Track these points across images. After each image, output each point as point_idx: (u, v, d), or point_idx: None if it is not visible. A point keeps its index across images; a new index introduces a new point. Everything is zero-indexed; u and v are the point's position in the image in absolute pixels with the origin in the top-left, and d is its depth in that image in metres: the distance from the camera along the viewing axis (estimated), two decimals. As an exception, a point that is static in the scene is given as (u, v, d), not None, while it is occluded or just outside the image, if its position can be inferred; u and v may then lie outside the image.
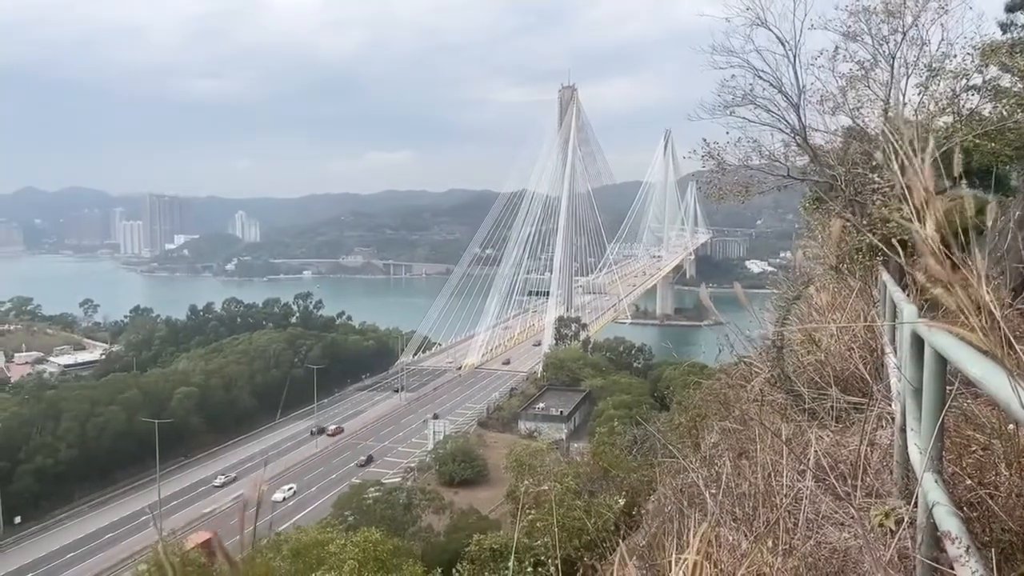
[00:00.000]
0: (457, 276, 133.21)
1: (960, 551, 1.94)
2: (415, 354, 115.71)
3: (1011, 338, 1.87)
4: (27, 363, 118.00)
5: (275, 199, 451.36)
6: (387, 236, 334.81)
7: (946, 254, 2.17)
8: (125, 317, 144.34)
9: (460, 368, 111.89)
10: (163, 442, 61.04)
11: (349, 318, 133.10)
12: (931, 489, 2.23)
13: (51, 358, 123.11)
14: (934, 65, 10.24)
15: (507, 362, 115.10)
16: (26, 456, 63.33)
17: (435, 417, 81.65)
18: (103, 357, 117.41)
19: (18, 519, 58.66)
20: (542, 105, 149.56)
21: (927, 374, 2.36)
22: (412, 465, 69.36)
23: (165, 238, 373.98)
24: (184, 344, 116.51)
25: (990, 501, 2.36)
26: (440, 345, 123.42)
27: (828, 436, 4.52)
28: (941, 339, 2.05)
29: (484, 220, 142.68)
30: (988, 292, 1.90)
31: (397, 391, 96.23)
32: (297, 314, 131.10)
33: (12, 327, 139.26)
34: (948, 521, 2.03)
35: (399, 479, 64.12)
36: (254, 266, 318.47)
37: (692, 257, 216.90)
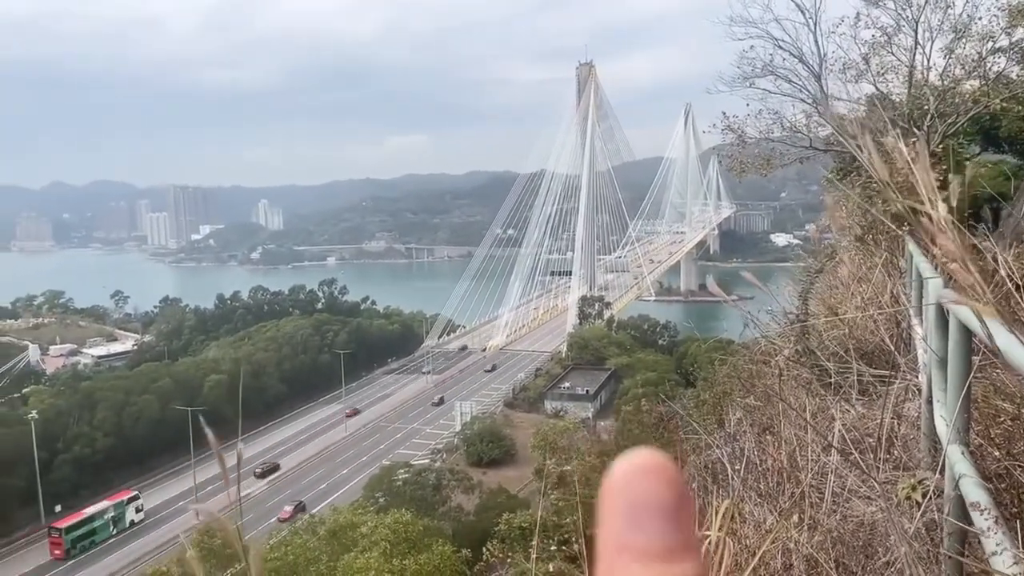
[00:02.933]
0: (479, 258, 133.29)
1: (988, 522, 1.92)
2: (440, 337, 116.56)
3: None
4: (62, 355, 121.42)
5: (297, 187, 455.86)
6: (408, 220, 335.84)
7: (962, 228, 2.13)
8: (155, 308, 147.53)
9: (485, 349, 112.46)
10: (197, 429, 61.63)
11: (374, 303, 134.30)
12: (958, 461, 2.21)
13: (85, 349, 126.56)
14: (959, 28, 9.95)
15: (535, 339, 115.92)
16: (64, 446, 65.05)
17: (439, 402, 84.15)
18: (135, 347, 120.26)
19: (58, 508, 60.27)
20: (561, 83, 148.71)
21: (952, 345, 2.33)
22: (439, 447, 70.15)
23: (191, 229, 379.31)
24: (213, 333, 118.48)
25: (1017, 473, 2.34)
26: (464, 327, 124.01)
27: (853, 410, 4.49)
28: (965, 311, 2.01)
29: (505, 201, 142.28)
30: (1006, 263, 1.86)
31: (425, 373, 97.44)
32: (323, 300, 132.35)
33: (46, 320, 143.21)
34: (975, 493, 2.01)
35: (427, 460, 64.97)
36: (279, 254, 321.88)
37: (716, 232, 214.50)
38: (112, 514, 57.23)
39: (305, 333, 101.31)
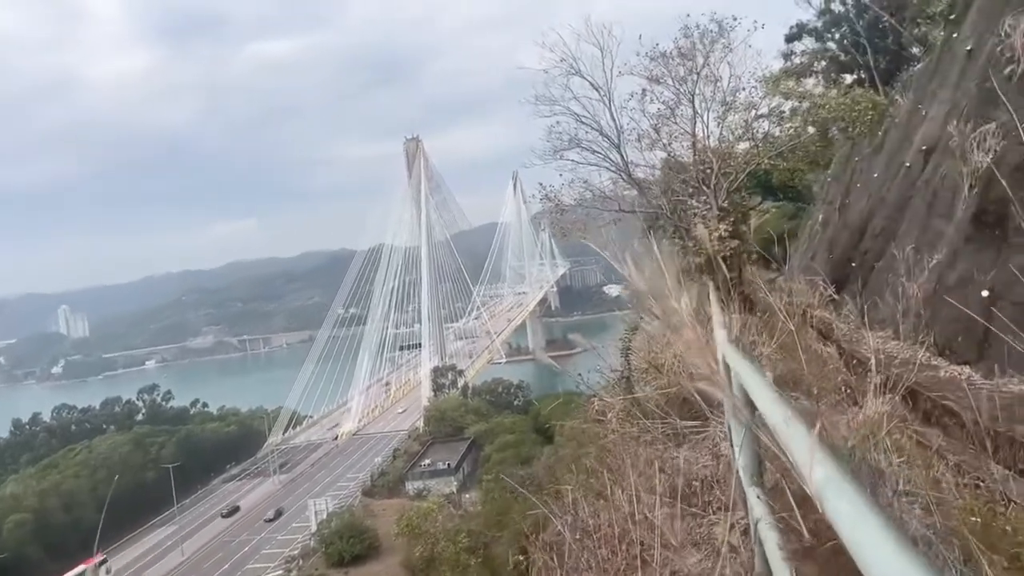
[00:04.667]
0: (321, 341, 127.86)
1: (782, 563, 2.10)
2: (285, 432, 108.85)
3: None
4: None
5: (104, 287, 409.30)
6: (238, 310, 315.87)
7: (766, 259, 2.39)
8: None
9: (337, 438, 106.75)
10: None
11: (205, 405, 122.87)
12: (755, 504, 2.41)
13: None
14: (727, 99, 11.58)
15: (403, 410, 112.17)
16: None
17: (275, 517, 75.69)
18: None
19: None
20: (391, 159, 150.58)
21: (735, 393, 2.57)
22: (294, 553, 64.62)
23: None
24: (12, 465, 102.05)
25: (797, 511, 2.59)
26: (312, 417, 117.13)
27: (683, 457, 4.78)
28: (738, 364, 2.26)
29: (344, 279, 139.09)
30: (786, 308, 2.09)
31: (273, 472, 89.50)
32: (143, 410, 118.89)
33: None
34: (769, 536, 2.19)
35: (282, 572, 59.54)
36: (86, 364, 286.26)
37: (555, 289, 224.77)
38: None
39: (124, 451, 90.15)
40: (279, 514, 75.79)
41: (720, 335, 3.33)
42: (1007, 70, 7.08)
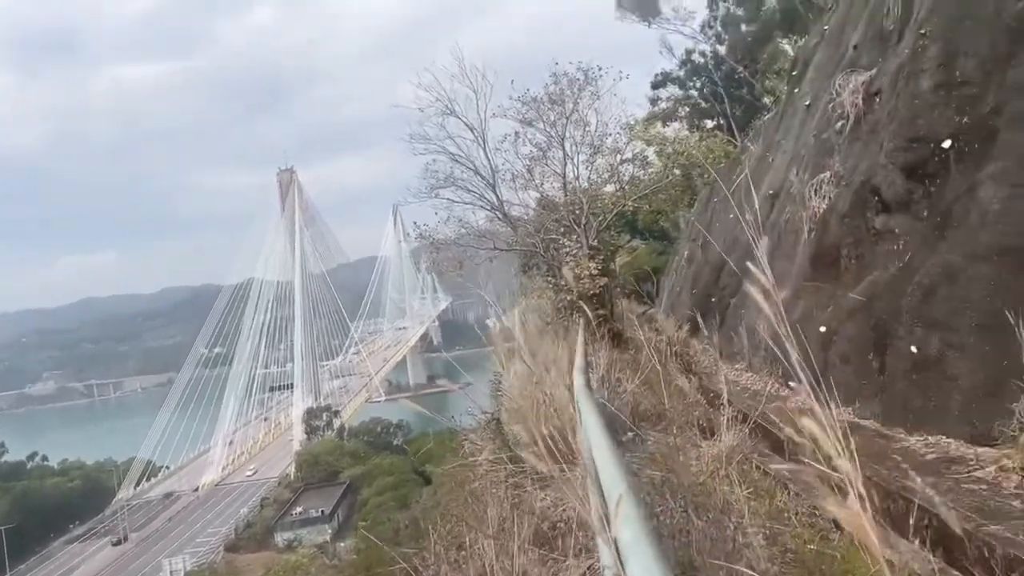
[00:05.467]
0: (181, 384, 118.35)
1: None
2: (137, 485, 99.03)
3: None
4: None
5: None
6: (87, 352, 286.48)
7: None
8: None
9: (197, 489, 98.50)
10: None
11: (45, 459, 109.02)
12: (603, 551, 2.36)
13: None
14: (595, 143, 12.15)
15: (253, 472, 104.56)
16: None
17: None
18: None
19: None
20: (262, 189, 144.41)
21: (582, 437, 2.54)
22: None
23: None
24: None
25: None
26: (168, 468, 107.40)
27: (549, 499, 4.71)
28: (585, 412, 2.23)
29: (208, 316, 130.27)
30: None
31: (117, 542, 79.82)
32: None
33: None
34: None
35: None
36: None
37: (436, 323, 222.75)
38: None
39: (-54, 510, 78.47)
40: None
41: (579, 382, 3.32)
42: (838, 124, 7.86)
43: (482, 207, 11.83)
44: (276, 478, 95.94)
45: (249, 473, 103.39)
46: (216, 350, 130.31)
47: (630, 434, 4.80)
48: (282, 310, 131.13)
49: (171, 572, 63.50)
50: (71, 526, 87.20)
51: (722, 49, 29.14)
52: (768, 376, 6.86)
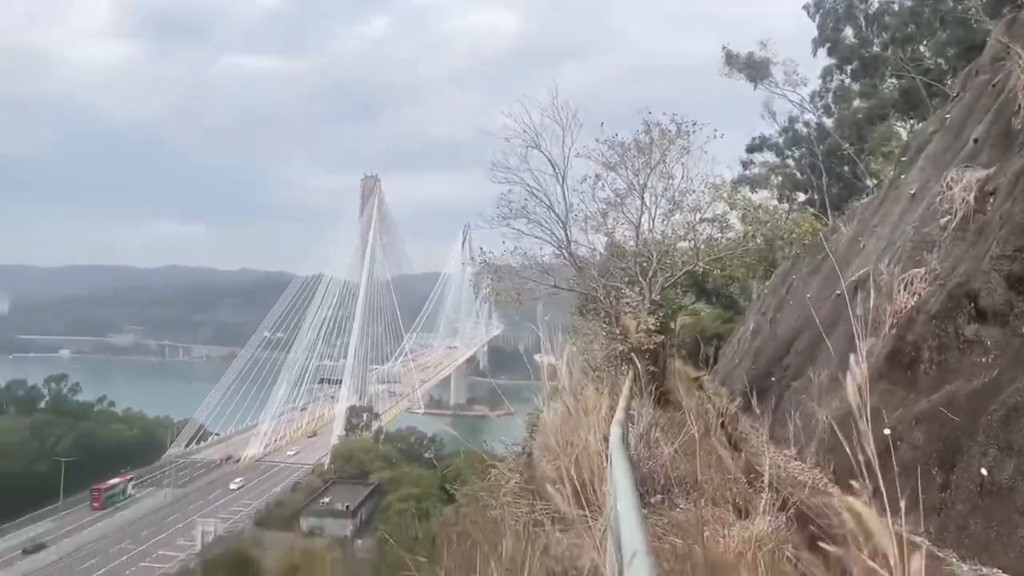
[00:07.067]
0: (243, 360, 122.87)
1: None
2: (188, 445, 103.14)
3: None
4: None
5: (34, 267, 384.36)
6: (166, 314, 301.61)
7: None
8: None
9: (239, 460, 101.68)
10: None
11: (112, 404, 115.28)
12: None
13: None
14: (676, 198, 11.97)
15: (312, 435, 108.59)
16: None
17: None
18: None
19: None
20: (346, 191, 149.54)
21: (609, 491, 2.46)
22: (172, 572, 60.63)
23: None
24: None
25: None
26: (218, 435, 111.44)
27: (566, 543, 4.59)
28: (616, 463, 2.16)
29: (277, 302, 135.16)
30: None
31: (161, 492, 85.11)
32: (47, 398, 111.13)
33: None
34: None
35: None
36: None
37: (485, 349, 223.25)
38: (122, 486, 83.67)
39: (19, 436, 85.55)
40: None
41: (615, 434, 3.24)
42: (943, 220, 7.45)
43: (549, 243, 11.78)
44: (311, 465, 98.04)
45: (291, 453, 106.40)
46: (278, 334, 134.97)
47: (659, 496, 4.64)
48: (344, 309, 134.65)
49: (203, 532, 65.81)
50: (123, 471, 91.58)
51: (828, 122, 28.33)
52: (818, 468, 6.51)
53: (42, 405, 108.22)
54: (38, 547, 67.25)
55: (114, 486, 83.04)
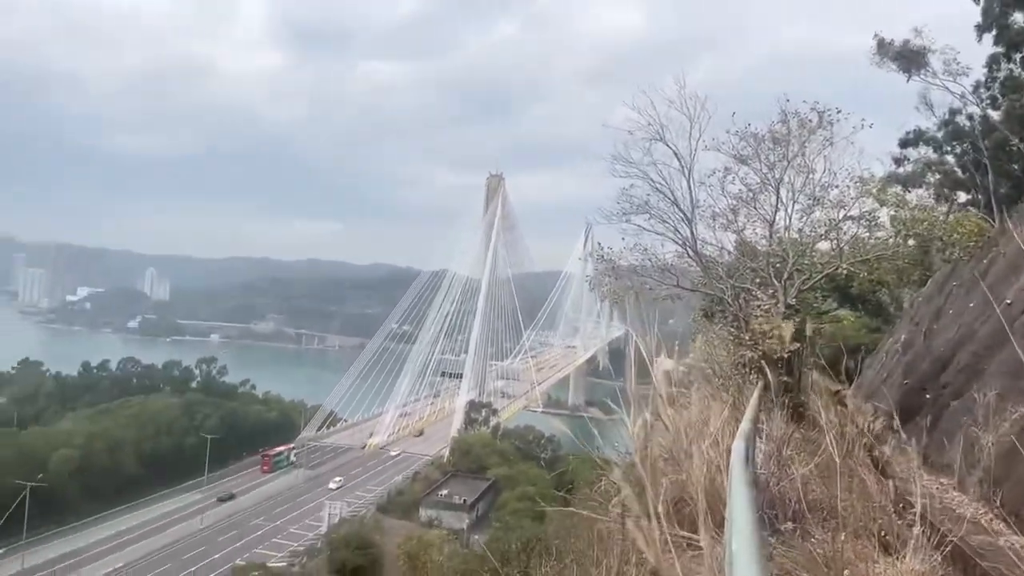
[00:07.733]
0: (371, 351, 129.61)
1: None
2: (319, 429, 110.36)
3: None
4: None
5: (191, 258, 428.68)
6: (303, 305, 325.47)
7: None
8: (13, 368, 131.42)
9: (364, 447, 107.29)
10: (36, 507, 58.88)
11: (253, 387, 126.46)
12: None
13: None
14: (817, 194, 10.92)
15: (420, 434, 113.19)
16: None
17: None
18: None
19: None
20: (471, 189, 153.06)
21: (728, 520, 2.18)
22: (301, 549, 65.08)
23: (68, 289, 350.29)
24: (72, 403, 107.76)
25: None
26: (346, 421, 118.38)
27: (679, 567, 4.27)
28: (735, 484, 1.89)
29: (404, 296, 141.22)
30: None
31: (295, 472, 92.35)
32: (198, 379, 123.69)
33: None
34: None
35: (286, 563, 60.04)
36: (159, 324, 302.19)
37: (606, 349, 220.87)
38: (286, 454, 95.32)
39: (173, 413, 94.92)
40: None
41: (738, 449, 2.91)
42: None
43: (673, 240, 11.12)
44: (431, 457, 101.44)
45: (417, 436, 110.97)
46: (404, 327, 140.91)
47: (791, 524, 4.20)
48: (466, 304, 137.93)
49: (329, 514, 70.19)
50: (261, 450, 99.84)
51: (995, 115, 25.20)
52: (982, 501, 5.70)
53: (194, 385, 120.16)
54: (231, 496, 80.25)
55: (280, 453, 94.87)
